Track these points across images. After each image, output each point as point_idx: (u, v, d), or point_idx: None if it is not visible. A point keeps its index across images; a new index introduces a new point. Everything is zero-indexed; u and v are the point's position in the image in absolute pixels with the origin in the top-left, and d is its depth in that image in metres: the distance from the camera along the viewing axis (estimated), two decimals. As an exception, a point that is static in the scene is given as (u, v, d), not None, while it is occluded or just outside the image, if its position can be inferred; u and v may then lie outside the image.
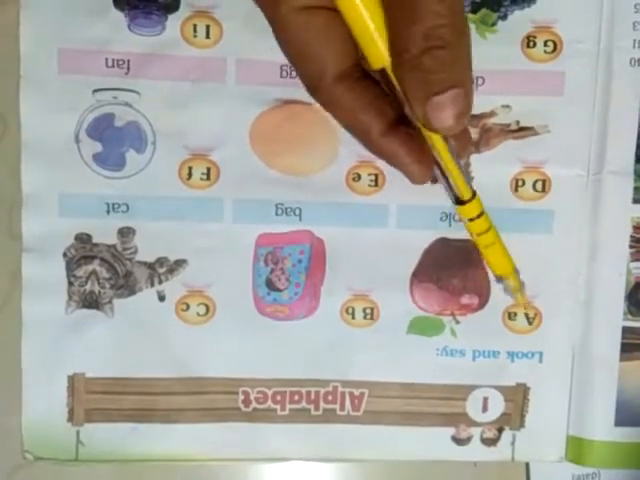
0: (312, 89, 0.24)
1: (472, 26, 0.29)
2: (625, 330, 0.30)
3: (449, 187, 0.26)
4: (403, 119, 0.24)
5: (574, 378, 0.31)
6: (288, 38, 0.23)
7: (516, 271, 0.29)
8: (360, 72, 0.23)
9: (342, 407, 0.31)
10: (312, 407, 0.31)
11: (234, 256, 0.30)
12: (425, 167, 0.25)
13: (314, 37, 0.22)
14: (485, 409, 0.31)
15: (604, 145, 0.29)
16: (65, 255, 0.29)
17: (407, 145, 0.24)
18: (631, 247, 0.30)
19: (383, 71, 0.22)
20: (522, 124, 0.30)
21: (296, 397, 0.31)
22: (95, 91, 0.29)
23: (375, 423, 0.31)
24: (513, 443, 0.31)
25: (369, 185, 0.30)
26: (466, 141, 0.27)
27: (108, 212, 0.29)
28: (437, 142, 0.24)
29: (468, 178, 0.26)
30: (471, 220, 0.27)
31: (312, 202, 0.30)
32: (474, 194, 0.26)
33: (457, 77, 0.22)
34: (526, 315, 0.30)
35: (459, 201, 0.26)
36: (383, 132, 0.24)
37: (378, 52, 0.22)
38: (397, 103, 0.23)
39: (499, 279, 0.30)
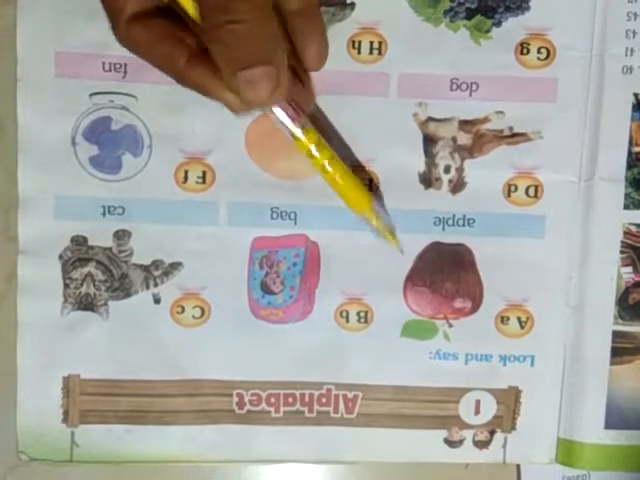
0: (114, 28, 0.24)
1: (466, 32, 0.29)
2: (615, 334, 0.31)
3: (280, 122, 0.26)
4: None
5: (565, 381, 0.31)
6: None
7: (377, 211, 0.28)
8: (158, 11, 0.24)
9: (336, 409, 0.31)
10: (306, 409, 0.31)
11: (229, 259, 0.30)
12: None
13: None
14: (477, 412, 0.31)
15: (596, 151, 0.30)
16: (61, 257, 0.30)
17: (216, 73, 0.24)
18: (622, 252, 0.30)
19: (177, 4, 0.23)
20: (515, 130, 0.30)
21: (290, 399, 0.31)
22: (92, 94, 0.29)
23: (368, 425, 0.31)
24: (505, 445, 0.31)
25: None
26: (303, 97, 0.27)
27: (104, 215, 0.29)
28: None
29: (298, 114, 0.26)
30: (311, 157, 0.26)
31: (307, 206, 0.30)
32: (303, 127, 0.26)
33: (260, 53, 0.22)
34: (518, 319, 0.31)
35: (293, 136, 0.26)
36: (188, 61, 0.24)
37: None
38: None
39: (364, 219, 0.28)
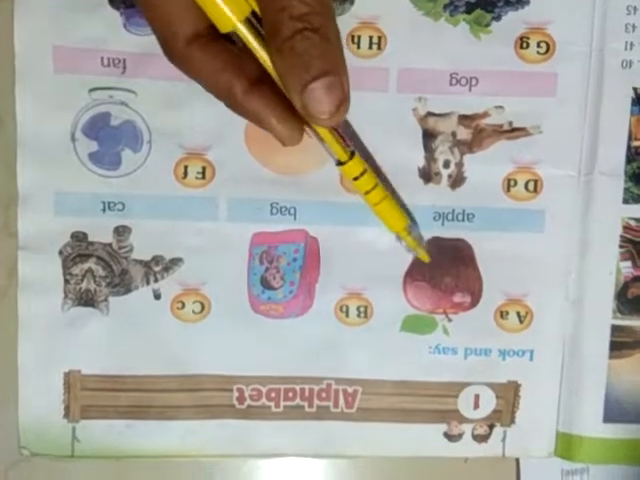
0: (168, 52, 0.23)
1: (466, 27, 0.29)
2: (614, 328, 0.31)
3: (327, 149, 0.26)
4: (267, 77, 0.23)
5: (564, 375, 0.31)
6: (145, 1, 0.23)
7: (410, 227, 0.29)
8: (215, 33, 0.23)
9: (336, 404, 0.31)
10: (306, 404, 0.31)
11: (229, 255, 0.30)
12: (294, 128, 0.24)
13: (167, 5, 0.23)
14: (476, 406, 0.31)
15: (595, 146, 0.30)
16: (61, 253, 0.30)
17: (272, 104, 0.23)
18: (621, 247, 0.30)
19: (236, 34, 0.22)
20: (515, 125, 0.30)
21: (290, 394, 0.31)
22: (91, 90, 0.29)
23: (368, 420, 0.31)
24: (504, 439, 0.31)
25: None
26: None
27: (104, 210, 0.29)
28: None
29: (345, 139, 0.25)
30: (355, 179, 0.26)
31: (307, 201, 0.30)
32: (352, 154, 0.26)
33: (330, 63, 0.22)
34: (517, 313, 0.31)
35: (339, 162, 0.26)
36: (246, 91, 0.23)
37: (223, 16, 0.22)
38: (257, 61, 0.23)
39: (397, 237, 0.29)
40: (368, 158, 0.29)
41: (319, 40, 0.21)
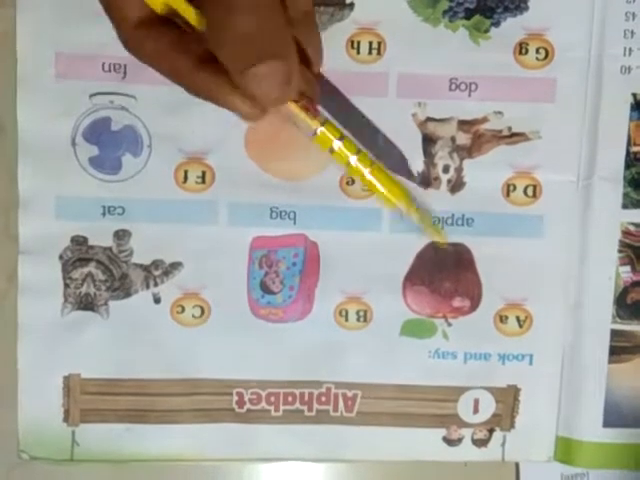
0: (121, 37, 0.24)
1: (465, 32, 0.29)
2: (614, 333, 0.31)
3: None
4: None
5: (563, 380, 0.31)
6: None
7: (415, 199, 0.27)
8: (162, 17, 0.23)
9: (335, 408, 0.31)
10: (306, 408, 0.31)
11: (229, 259, 0.30)
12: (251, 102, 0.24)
13: None
14: (476, 410, 0.31)
15: (594, 151, 0.30)
16: (61, 257, 0.30)
17: (224, 80, 0.23)
18: (620, 252, 0.30)
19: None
20: (514, 130, 0.30)
21: (290, 398, 0.31)
22: (92, 95, 0.29)
23: (368, 424, 0.31)
24: (503, 444, 0.31)
25: (363, 189, 0.30)
26: (312, 88, 0.25)
27: (104, 215, 0.30)
28: None
29: (313, 109, 0.25)
30: (332, 151, 0.25)
31: (306, 206, 0.30)
32: (324, 122, 0.25)
33: (268, 49, 0.22)
34: (517, 318, 0.31)
35: (313, 132, 0.25)
36: (192, 68, 0.23)
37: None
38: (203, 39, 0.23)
39: (402, 213, 0.27)
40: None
41: (250, 27, 0.21)
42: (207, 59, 0.23)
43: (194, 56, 0.23)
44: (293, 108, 0.24)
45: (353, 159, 0.26)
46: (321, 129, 0.25)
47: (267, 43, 0.22)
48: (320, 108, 0.26)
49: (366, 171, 0.26)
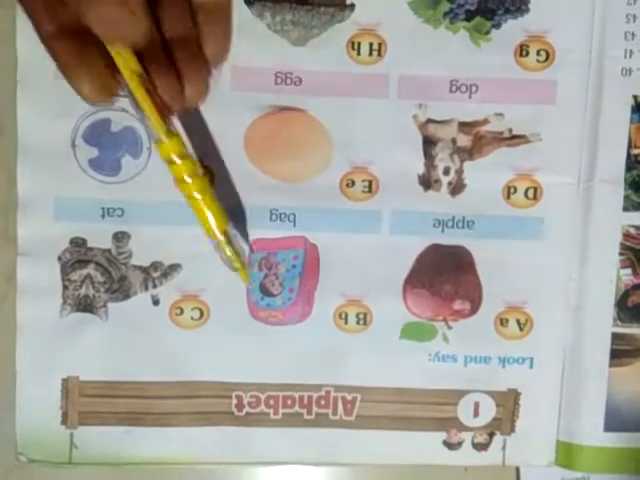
0: None
1: (466, 34, 0.29)
2: (615, 336, 0.31)
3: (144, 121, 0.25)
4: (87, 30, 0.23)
5: (564, 384, 0.31)
6: None
7: (231, 234, 0.27)
8: None
9: (335, 412, 0.31)
10: (305, 411, 0.31)
11: (228, 261, 0.30)
12: (99, 84, 0.24)
13: None
14: (476, 414, 0.31)
15: (595, 153, 0.30)
16: (60, 259, 0.30)
17: (78, 55, 0.24)
18: (621, 254, 0.30)
19: None
20: (515, 132, 0.30)
21: (289, 401, 0.31)
22: (91, 97, 0.29)
23: (367, 428, 0.31)
24: (504, 448, 0.31)
25: (363, 191, 0.30)
26: (171, 89, 0.25)
27: (103, 216, 0.30)
28: (119, 63, 0.24)
29: (168, 120, 0.25)
30: (171, 163, 0.25)
31: (306, 208, 0.30)
32: (173, 135, 0.25)
33: None
34: (517, 321, 0.31)
35: (156, 139, 0.25)
36: (52, 34, 0.24)
37: None
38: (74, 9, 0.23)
39: (215, 245, 0.27)
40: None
41: None
42: (74, 31, 0.23)
43: (58, 23, 0.24)
44: (147, 107, 0.24)
45: (188, 179, 0.25)
46: (166, 140, 0.25)
47: None
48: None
49: (196, 194, 0.26)
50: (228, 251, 0.27)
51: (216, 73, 0.28)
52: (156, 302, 0.30)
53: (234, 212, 0.29)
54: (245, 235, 0.29)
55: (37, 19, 0.24)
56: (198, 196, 0.26)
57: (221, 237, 0.26)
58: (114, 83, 0.24)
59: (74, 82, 0.24)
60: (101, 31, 0.23)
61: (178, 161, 0.25)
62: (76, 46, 0.24)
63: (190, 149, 0.29)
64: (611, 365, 0.31)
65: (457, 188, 0.30)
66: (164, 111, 0.25)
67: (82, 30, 0.23)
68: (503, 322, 0.31)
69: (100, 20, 0.23)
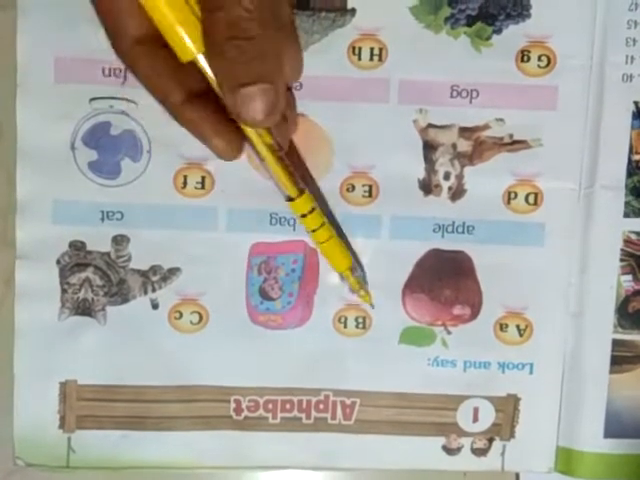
0: (115, 47, 0.24)
1: (467, 40, 0.29)
2: (615, 343, 0.30)
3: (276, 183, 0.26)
4: (210, 91, 0.24)
5: (564, 389, 0.31)
6: None
7: (354, 268, 0.29)
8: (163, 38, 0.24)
9: (333, 416, 0.31)
10: (303, 416, 0.31)
11: (228, 265, 0.30)
12: (231, 144, 0.25)
13: (119, 2, 0.23)
14: (476, 419, 0.31)
15: (596, 159, 0.30)
16: (59, 262, 0.30)
17: (210, 118, 0.24)
18: (622, 260, 0.30)
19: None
20: (515, 137, 0.30)
21: (288, 406, 0.31)
22: (91, 100, 0.29)
23: (366, 432, 0.31)
24: (503, 453, 0.31)
25: (363, 196, 0.30)
26: (284, 135, 0.27)
27: (102, 220, 0.29)
28: (250, 134, 0.24)
29: (296, 176, 0.26)
30: (303, 216, 0.27)
31: (306, 212, 0.30)
32: (302, 191, 0.26)
33: (263, 71, 0.22)
34: (517, 327, 0.31)
35: (289, 198, 0.27)
36: (183, 100, 0.24)
37: (183, 46, 0.23)
38: (201, 74, 0.23)
39: (341, 277, 0.29)
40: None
41: (251, 48, 0.22)
42: (197, 94, 0.24)
43: (188, 88, 0.24)
44: (279, 170, 0.26)
45: (318, 228, 0.27)
46: (298, 199, 0.26)
47: (261, 66, 0.22)
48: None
49: (323, 239, 0.28)
50: (354, 283, 0.29)
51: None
52: (155, 306, 0.30)
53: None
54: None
55: (163, 90, 0.24)
56: (325, 240, 0.28)
57: (348, 272, 0.29)
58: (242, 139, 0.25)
59: (207, 143, 0.25)
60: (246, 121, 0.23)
61: (308, 215, 0.27)
62: (207, 112, 0.24)
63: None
64: (611, 371, 0.31)
65: (457, 193, 0.30)
66: (293, 171, 0.26)
67: (208, 93, 0.24)
68: (503, 327, 0.31)
69: (249, 118, 0.23)
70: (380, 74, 0.29)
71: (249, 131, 0.24)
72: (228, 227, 0.30)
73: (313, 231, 0.27)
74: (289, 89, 0.28)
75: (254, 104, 0.22)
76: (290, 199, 0.26)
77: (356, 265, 0.29)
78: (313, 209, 0.27)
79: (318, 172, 0.30)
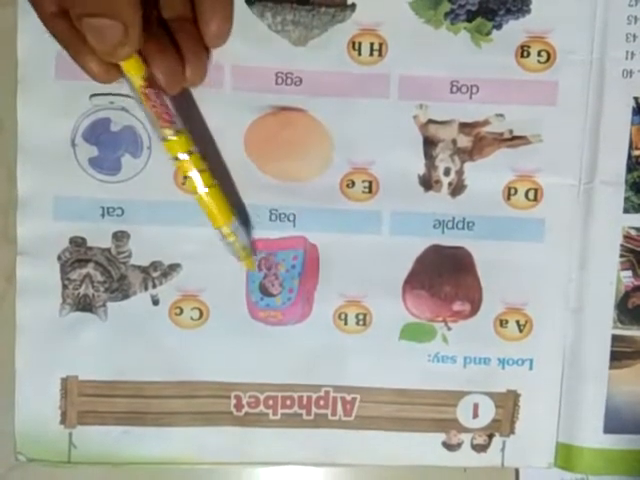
0: None
1: (467, 35, 0.29)
2: (615, 338, 0.31)
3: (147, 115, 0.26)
4: None
5: (564, 385, 0.31)
6: None
7: (235, 227, 0.28)
8: None
9: (334, 412, 0.31)
10: (304, 412, 0.31)
11: (228, 261, 0.30)
12: (104, 66, 0.25)
13: None
14: (476, 415, 0.31)
15: (596, 155, 0.30)
16: (60, 258, 0.30)
17: (81, 35, 0.24)
18: (621, 256, 0.30)
19: None
20: (515, 133, 0.30)
21: (288, 402, 0.31)
22: (92, 96, 0.29)
23: (366, 428, 0.31)
24: (503, 449, 0.31)
25: (363, 192, 0.30)
26: (177, 78, 0.26)
27: (103, 216, 0.29)
28: (121, 64, 0.25)
29: (169, 117, 0.26)
30: (177, 160, 0.26)
31: (306, 208, 0.30)
32: (178, 132, 0.26)
33: (107, 9, 0.23)
34: (517, 322, 0.31)
35: (162, 137, 0.26)
36: (54, 13, 0.24)
37: None
38: None
39: (220, 235, 0.28)
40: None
41: None
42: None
43: (57, 3, 0.24)
44: (150, 108, 0.26)
45: (194, 173, 0.27)
46: (172, 138, 0.26)
47: (105, 3, 0.23)
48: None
49: (202, 189, 0.27)
50: (234, 240, 0.28)
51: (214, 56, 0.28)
52: (156, 302, 0.30)
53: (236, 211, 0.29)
54: (249, 233, 0.29)
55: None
56: (205, 190, 0.27)
57: (227, 229, 0.27)
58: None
59: (80, 62, 0.25)
60: (98, 52, 0.24)
61: (186, 157, 0.26)
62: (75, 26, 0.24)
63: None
64: (611, 367, 0.31)
65: (457, 189, 0.30)
66: (170, 111, 0.26)
67: None
68: (503, 323, 0.31)
69: (95, 47, 0.24)
70: (380, 69, 0.29)
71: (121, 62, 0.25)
72: (228, 223, 0.30)
73: (185, 177, 0.27)
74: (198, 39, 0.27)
75: (98, 36, 0.23)
76: (164, 139, 0.26)
77: (238, 225, 0.28)
78: (191, 152, 0.26)
79: (318, 168, 0.30)
